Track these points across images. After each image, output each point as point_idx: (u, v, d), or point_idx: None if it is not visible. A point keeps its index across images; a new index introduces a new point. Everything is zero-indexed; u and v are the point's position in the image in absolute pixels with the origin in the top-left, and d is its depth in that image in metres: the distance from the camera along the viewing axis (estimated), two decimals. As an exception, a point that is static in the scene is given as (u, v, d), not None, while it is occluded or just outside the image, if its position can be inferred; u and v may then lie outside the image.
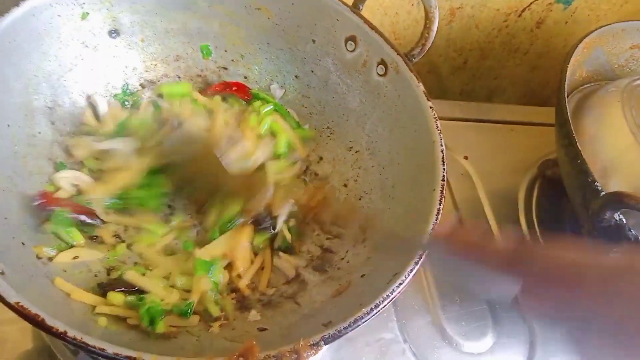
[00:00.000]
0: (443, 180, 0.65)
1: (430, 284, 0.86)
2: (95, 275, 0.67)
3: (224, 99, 0.86)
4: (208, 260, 0.69)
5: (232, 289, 0.71)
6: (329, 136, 0.85)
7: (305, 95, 0.86)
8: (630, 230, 0.72)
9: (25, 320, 0.47)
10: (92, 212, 0.71)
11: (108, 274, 0.68)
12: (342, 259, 0.73)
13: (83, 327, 0.54)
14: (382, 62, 0.76)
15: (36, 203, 0.67)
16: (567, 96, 0.81)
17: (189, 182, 0.73)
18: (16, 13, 0.66)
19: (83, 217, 0.70)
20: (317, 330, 0.52)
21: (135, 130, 0.76)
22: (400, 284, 0.56)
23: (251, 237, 0.74)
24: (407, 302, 0.84)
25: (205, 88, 0.86)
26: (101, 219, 0.71)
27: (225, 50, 0.86)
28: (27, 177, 0.68)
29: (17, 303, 0.48)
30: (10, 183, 0.65)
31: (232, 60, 0.87)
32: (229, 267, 0.72)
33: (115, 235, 0.72)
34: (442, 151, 0.67)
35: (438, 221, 0.62)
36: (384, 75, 0.77)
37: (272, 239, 0.76)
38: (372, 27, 0.76)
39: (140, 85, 0.84)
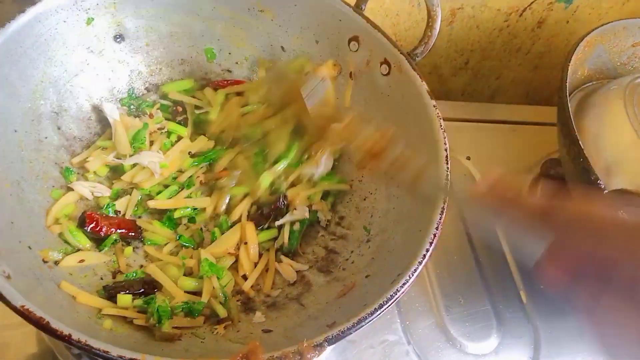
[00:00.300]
0: (447, 179, 0.65)
1: (434, 285, 0.86)
2: (101, 279, 0.68)
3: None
4: (214, 261, 0.70)
5: (237, 290, 0.71)
6: (334, 137, 0.85)
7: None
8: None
9: (30, 323, 0.48)
10: (134, 225, 0.73)
11: (113, 277, 0.69)
12: (347, 259, 0.74)
13: (88, 329, 0.55)
14: (386, 62, 0.77)
15: (88, 229, 0.69)
16: (569, 95, 0.81)
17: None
18: (22, 20, 0.66)
19: (130, 234, 0.73)
20: (321, 331, 0.52)
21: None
22: (404, 283, 0.56)
23: (254, 235, 0.74)
24: (410, 303, 0.84)
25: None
26: (141, 232, 0.74)
27: (229, 53, 0.87)
28: (33, 181, 0.69)
29: (23, 307, 0.48)
30: (17, 188, 0.66)
31: (236, 62, 0.87)
32: (234, 268, 0.73)
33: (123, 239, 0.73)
34: (445, 150, 0.67)
35: (442, 220, 0.62)
36: (388, 74, 0.77)
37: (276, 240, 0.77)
38: (375, 27, 0.77)
39: (145, 89, 0.84)
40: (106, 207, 0.73)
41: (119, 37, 0.80)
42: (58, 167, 0.74)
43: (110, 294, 0.65)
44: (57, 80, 0.74)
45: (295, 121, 0.72)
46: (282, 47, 0.85)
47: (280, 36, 0.84)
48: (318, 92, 0.71)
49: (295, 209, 0.77)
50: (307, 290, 0.71)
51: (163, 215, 0.76)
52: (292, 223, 0.77)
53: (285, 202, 0.77)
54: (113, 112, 0.78)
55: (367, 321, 0.53)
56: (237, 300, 0.70)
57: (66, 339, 0.47)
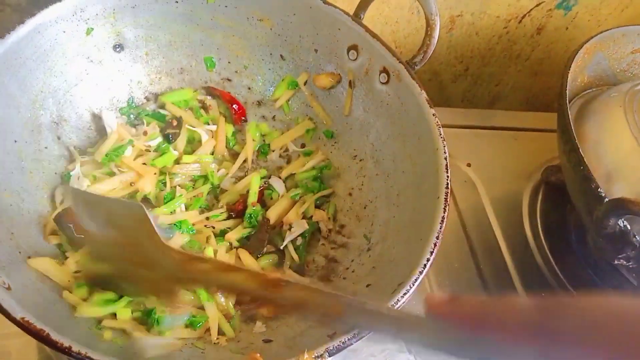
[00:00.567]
0: (447, 187, 0.65)
1: (434, 292, 0.86)
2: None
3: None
4: None
5: (237, 301, 0.71)
6: (333, 145, 0.85)
7: (308, 104, 0.86)
8: (635, 236, 0.72)
9: (30, 335, 0.48)
10: None
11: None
12: (347, 268, 0.74)
13: (88, 340, 0.55)
14: (385, 70, 0.77)
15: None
16: (569, 102, 0.81)
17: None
18: (22, 30, 0.66)
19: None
20: (321, 342, 0.52)
21: None
22: (405, 293, 0.56)
23: (253, 261, 0.74)
24: (411, 311, 0.83)
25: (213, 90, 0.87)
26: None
27: (229, 62, 0.87)
28: (33, 191, 0.69)
29: (23, 318, 0.48)
30: (17, 198, 0.66)
31: (236, 71, 0.87)
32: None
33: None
34: (445, 158, 0.67)
35: (442, 228, 0.61)
36: (387, 83, 0.77)
37: (280, 260, 0.76)
38: (374, 36, 0.77)
39: (145, 98, 0.85)
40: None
41: (118, 47, 0.80)
42: (58, 177, 0.73)
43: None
44: (56, 90, 0.74)
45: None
46: (282, 56, 0.85)
47: (279, 45, 0.84)
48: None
49: (291, 226, 0.77)
50: (307, 300, 0.71)
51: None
52: (294, 240, 0.76)
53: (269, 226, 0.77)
54: (111, 121, 0.78)
55: (367, 332, 0.53)
56: (237, 310, 0.70)
57: (66, 351, 0.47)
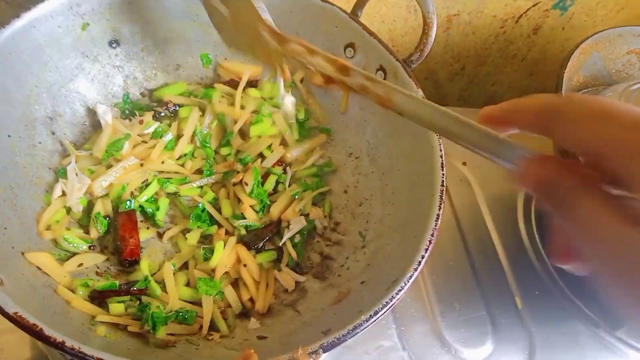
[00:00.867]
0: (442, 185, 0.65)
1: (429, 290, 0.86)
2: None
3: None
4: (209, 279, 0.69)
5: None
6: (329, 142, 0.85)
7: (305, 101, 0.86)
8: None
9: (23, 330, 0.48)
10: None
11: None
12: (342, 265, 0.74)
13: (81, 336, 0.55)
14: (381, 68, 0.77)
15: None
16: (565, 102, 0.81)
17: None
18: (17, 25, 0.66)
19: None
20: (316, 338, 0.52)
21: None
22: (400, 290, 0.56)
23: (251, 257, 0.74)
24: (406, 309, 0.84)
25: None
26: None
27: (225, 58, 0.87)
28: (27, 187, 0.69)
29: (16, 313, 0.48)
30: (10, 193, 0.66)
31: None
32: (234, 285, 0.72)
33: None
34: (441, 156, 0.67)
35: (438, 226, 0.62)
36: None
37: (277, 257, 0.76)
38: (371, 34, 0.77)
39: (140, 94, 0.84)
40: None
41: (114, 43, 0.80)
42: (52, 172, 0.73)
43: (98, 301, 0.65)
44: (51, 85, 0.74)
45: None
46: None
47: (276, 42, 0.84)
48: None
49: (289, 224, 0.77)
50: (302, 297, 0.71)
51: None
52: (293, 237, 0.76)
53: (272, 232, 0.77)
54: (106, 114, 0.77)
55: (362, 328, 0.53)
56: (229, 306, 0.70)
57: (60, 346, 0.47)
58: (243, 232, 0.75)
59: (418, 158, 0.71)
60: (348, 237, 0.77)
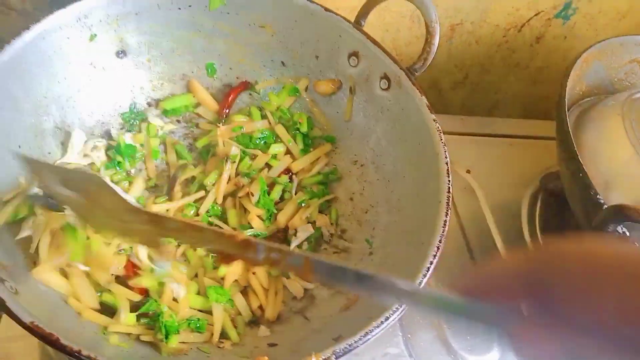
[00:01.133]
0: (449, 192, 0.65)
1: (435, 297, 0.86)
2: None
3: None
4: (219, 287, 0.69)
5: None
6: (333, 150, 0.86)
7: (309, 110, 0.87)
8: (634, 243, 0.72)
9: (40, 339, 0.48)
10: None
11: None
12: (350, 273, 0.74)
13: (95, 345, 0.55)
14: (385, 77, 0.77)
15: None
16: (567, 110, 0.82)
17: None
18: (27, 36, 0.67)
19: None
20: (326, 345, 0.52)
21: None
22: (409, 297, 0.56)
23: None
24: (412, 316, 0.84)
25: (223, 99, 0.87)
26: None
27: (230, 68, 0.87)
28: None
29: (32, 323, 0.48)
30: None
31: (237, 77, 0.88)
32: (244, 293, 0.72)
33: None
34: (446, 163, 0.68)
35: (445, 232, 0.62)
36: (387, 89, 0.78)
37: None
38: (375, 43, 0.77)
39: (147, 104, 0.85)
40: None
41: (121, 53, 0.81)
42: (61, 182, 0.74)
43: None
44: (60, 96, 0.75)
45: None
46: (283, 62, 0.86)
47: (280, 51, 0.85)
48: None
49: (296, 231, 0.77)
50: (311, 304, 0.72)
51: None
52: (300, 245, 0.77)
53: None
54: (79, 140, 0.77)
55: (373, 334, 0.54)
56: (239, 313, 0.70)
57: (75, 355, 0.47)
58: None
59: (423, 165, 0.71)
60: (355, 245, 0.77)
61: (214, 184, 0.78)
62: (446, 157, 0.68)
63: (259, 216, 0.76)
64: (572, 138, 0.77)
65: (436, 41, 0.75)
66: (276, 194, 0.79)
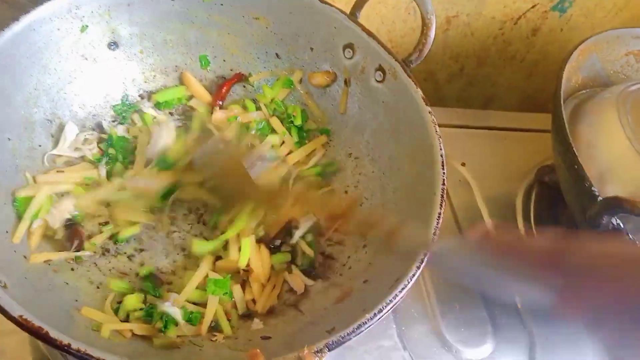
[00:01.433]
0: (443, 184, 0.65)
1: (429, 291, 0.86)
2: (97, 287, 0.67)
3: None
4: (220, 279, 0.69)
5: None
6: (328, 143, 0.86)
7: (304, 102, 0.86)
8: (628, 234, 0.72)
9: (29, 333, 0.48)
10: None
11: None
12: (344, 265, 0.74)
13: (86, 338, 0.55)
14: (380, 69, 0.77)
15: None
16: (563, 102, 0.82)
17: (217, 192, 0.74)
18: (16, 28, 0.66)
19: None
20: (320, 337, 0.52)
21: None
22: (403, 288, 0.56)
23: (268, 258, 0.74)
24: (406, 309, 0.84)
25: (217, 91, 0.86)
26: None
27: (224, 60, 0.87)
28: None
29: (21, 316, 0.48)
30: (11, 196, 0.66)
31: (231, 69, 0.87)
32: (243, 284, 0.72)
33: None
34: (441, 155, 0.67)
35: (439, 224, 0.62)
36: (382, 81, 0.77)
37: (292, 259, 0.76)
38: (370, 34, 0.77)
39: (139, 96, 0.84)
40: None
41: (113, 45, 0.80)
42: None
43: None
44: (50, 87, 0.74)
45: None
46: (277, 54, 0.85)
47: (275, 43, 0.84)
48: (264, 161, 0.71)
49: (297, 224, 0.76)
50: (305, 297, 0.71)
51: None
52: (304, 235, 0.76)
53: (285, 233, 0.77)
54: (71, 133, 0.76)
55: (366, 326, 0.53)
56: (235, 307, 0.70)
57: (65, 349, 0.47)
58: (262, 232, 0.75)
59: (418, 157, 0.71)
60: (349, 237, 0.77)
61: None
62: (441, 149, 0.68)
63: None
64: (568, 130, 0.77)
65: (432, 33, 0.75)
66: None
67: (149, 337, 0.62)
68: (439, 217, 0.62)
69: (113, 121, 0.81)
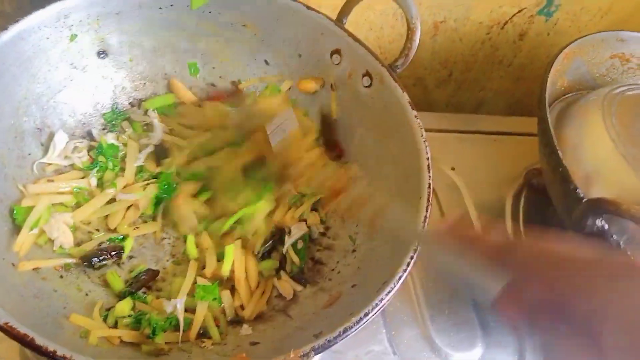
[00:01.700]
0: (429, 187, 0.65)
1: (419, 295, 0.86)
2: (86, 295, 0.68)
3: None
4: (209, 285, 0.69)
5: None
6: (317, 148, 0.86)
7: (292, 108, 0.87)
8: (612, 236, 0.73)
9: (14, 340, 0.48)
10: None
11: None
12: (333, 270, 0.74)
13: (73, 345, 0.55)
14: (367, 74, 0.77)
15: None
16: (549, 106, 0.82)
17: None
18: (4, 37, 0.66)
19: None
20: (308, 342, 0.52)
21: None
22: (389, 291, 0.57)
23: (254, 265, 0.74)
24: (396, 314, 0.84)
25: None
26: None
27: (213, 67, 0.87)
28: (16, 199, 0.69)
29: (6, 324, 0.48)
30: (0, 205, 0.66)
31: (220, 77, 0.88)
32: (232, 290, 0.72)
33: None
34: (427, 159, 0.68)
35: (425, 228, 0.62)
36: (370, 86, 0.78)
37: (279, 266, 0.76)
38: (356, 40, 0.78)
39: (129, 104, 0.85)
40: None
41: (102, 53, 0.80)
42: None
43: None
44: (40, 96, 0.74)
45: (250, 157, 0.73)
46: (266, 61, 0.86)
47: (263, 50, 0.85)
48: (283, 130, 0.72)
49: (289, 230, 0.77)
50: (294, 302, 0.71)
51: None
52: (295, 243, 0.77)
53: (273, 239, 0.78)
54: (60, 141, 0.77)
55: (353, 330, 0.54)
56: (223, 313, 0.70)
57: (51, 355, 0.47)
58: (259, 246, 0.75)
59: (405, 162, 0.71)
60: (338, 242, 0.77)
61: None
62: (427, 153, 0.68)
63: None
64: (553, 133, 0.78)
65: (417, 37, 0.76)
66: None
67: (137, 344, 0.62)
68: (424, 220, 0.62)
69: (103, 129, 0.82)
